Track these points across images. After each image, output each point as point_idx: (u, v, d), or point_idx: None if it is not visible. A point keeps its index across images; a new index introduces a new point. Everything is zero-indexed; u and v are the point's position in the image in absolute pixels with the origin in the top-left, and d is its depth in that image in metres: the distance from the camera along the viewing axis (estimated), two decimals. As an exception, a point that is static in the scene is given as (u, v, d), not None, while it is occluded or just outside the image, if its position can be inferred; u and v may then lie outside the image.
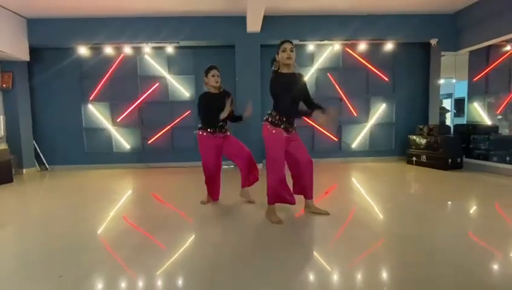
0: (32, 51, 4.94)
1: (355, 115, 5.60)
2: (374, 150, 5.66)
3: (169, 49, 5.07)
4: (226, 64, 5.14)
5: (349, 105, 5.56)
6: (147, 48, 5.07)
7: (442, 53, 5.13)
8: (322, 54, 5.46)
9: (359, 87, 5.58)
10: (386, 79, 5.53)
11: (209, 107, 2.71)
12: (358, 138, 5.66)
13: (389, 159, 5.59)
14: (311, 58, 5.48)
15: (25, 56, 4.77)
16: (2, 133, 4.54)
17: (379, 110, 5.62)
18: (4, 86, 4.75)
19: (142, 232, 2.30)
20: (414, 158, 5.07)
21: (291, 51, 2.25)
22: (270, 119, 2.33)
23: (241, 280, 1.49)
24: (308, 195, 2.54)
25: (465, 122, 5.33)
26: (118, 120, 5.39)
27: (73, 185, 4.17)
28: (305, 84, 2.42)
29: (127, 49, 5.07)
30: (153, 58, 5.31)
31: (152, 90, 5.33)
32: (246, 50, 5.01)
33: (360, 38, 5.11)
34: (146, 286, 1.48)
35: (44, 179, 4.68)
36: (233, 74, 5.08)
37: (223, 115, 2.61)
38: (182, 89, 5.38)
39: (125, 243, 2.01)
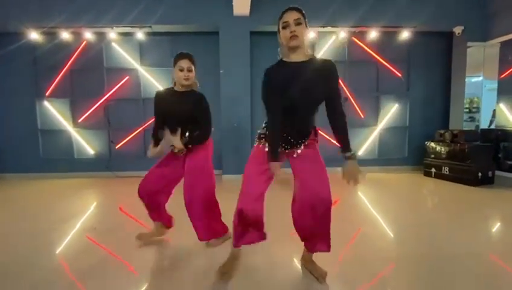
0: (-28, 35, 4.09)
1: (362, 117, 4.76)
2: (383, 158, 4.82)
3: (140, 35, 4.19)
4: (209, 53, 4.31)
5: (355, 105, 4.71)
6: (113, 34, 4.19)
7: (469, 44, 4.29)
8: (324, 44, 4.61)
9: (368, 84, 4.73)
10: (399, 75, 4.69)
11: (159, 110, 1.91)
12: (366, 144, 4.81)
13: (402, 170, 4.75)
14: (312, 48, 4.62)
15: (-39, 41, 3.91)
16: None
17: (390, 112, 4.78)
18: None
19: (112, 255, 1.94)
20: (433, 169, 4.23)
21: (298, 24, 1.34)
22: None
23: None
24: (306, 245, 1.65)
25: (493, 127, 4.49)
26: (80, 120, 4.52)
27: (26, 198, 3.45)
28: (329, 79, 1.43)
29: (89, 35, 4.19)
30: (122, 46, 4.44)
31: (121, 85, 4.47)
32: (233, 37, 4.15)
33: (370, 24, 4.25)
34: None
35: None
36: (217, 65, 4.23)
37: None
38: (157, 84, 4.50)
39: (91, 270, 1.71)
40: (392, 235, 2.24)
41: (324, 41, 4.59)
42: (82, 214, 2.81)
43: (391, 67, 4.66)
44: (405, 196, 3.49)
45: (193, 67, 1.83)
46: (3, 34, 4.21)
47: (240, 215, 1.50)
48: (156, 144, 1.94)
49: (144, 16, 4.01)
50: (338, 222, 2.33)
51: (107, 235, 2.26)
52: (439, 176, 4.15)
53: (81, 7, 3.99)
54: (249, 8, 3.92)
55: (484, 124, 4.52)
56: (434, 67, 4.70)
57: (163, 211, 2.05)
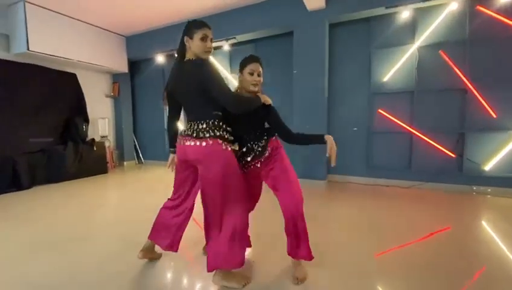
0: (131, 63, 5.88)
1: (494, 116, 3.34)
2: (534, 178, 3.20)
3: (227, 46, 4.72)
4: (288, 54, 4.28)
5: (481, 99, 3.37)
6: (208, 49, 4.93)
7: None
8: (428, 23, 3.55)
9: (504, 70, 3.26)
10: None
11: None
12: (499, 155, 3.35)
13: None
14: (411, 31, 3.67)
15: (124, 69, 5.71)
16: (107, 133, 5.64)
17: (552, 108, 3.10)
18: (113, 94, 5.89)
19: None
20: None
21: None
22: None
23: None
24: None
25: None
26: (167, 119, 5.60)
27: (158, 179, 4.79)
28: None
29: (193, 52, 5.12)
30: (215, 58, 5.13)
31: (216, 92, 5.18)
32: (309, 33, 3.91)
33: (507, -18, 2.91)
34: None
35: (136, 172, 5.45)
36: (296, 65, 4.11)
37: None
38: (242, 89, 4.92)
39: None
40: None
41: (429, 20, 3.54)
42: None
43: (555, 39, 3.00)
44: None
45: (262, 72, 1.66)
46: (144, 60, 5.84)
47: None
48: None
49: (229, 29, 4.47)
50: (454, 256, 1.92)
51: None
52: None
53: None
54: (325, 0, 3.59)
55: None
56: None
57: None
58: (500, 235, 2.23)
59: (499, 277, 1.62)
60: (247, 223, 1.58)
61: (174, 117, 1.76)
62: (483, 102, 3.37)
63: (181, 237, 1.79)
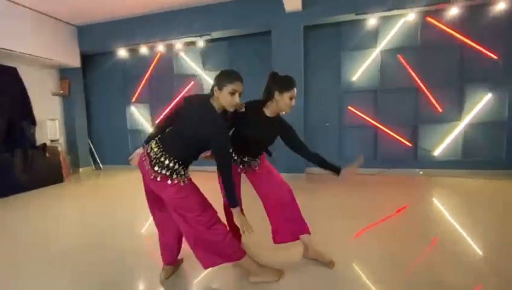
0: (84, 57, 5.24)
1: (440, 110, 4.03)
2: (471, 160, 3.98)
3: (201, 43, 4.59)
4: (263, 54, 4.39)
5: (430, 97, 4.03)
6: (179, 44, 4.72)
7: None
8: (389, 30, 4.07)
9: (447, 72, 3.96)
10: (494, 57, 3.75)
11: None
12: (445, 142, 4.06)
13: (497, 174, 3.82)
14: (374, 36, 4.15)
15: (76, 63, 5.06)
16: (58, 137, 4.92)
17: (481, 103, 3.89)
18: (62, 92, 5.16)
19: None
20: (543, 177, 3.27)
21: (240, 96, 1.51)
22: None
23: None
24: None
25: None
26: (157, 121, 5.28)
27: (119, 185, 4.38)
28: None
29: (161, 48, 4.83)
30: (188, 54, 4.94)
31: (187, 89, 5.00)
32: (286, 34, 4.09)
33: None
34: None
35: (96, 180, 4.89)
36: (270, 64, 4.25)
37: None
38: (217, 87, 4.85)
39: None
40: (479, 252, 1.90)
41: (389, 27, 4.06)
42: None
43: (481, 49, 3.77)
44: (498, 207, 2.80)
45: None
46: (102, 54, 5.28)
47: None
48: None
49: (205, 25, 4.34)
50: (412, 228, 2.28)
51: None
52: (553, 185, 3.18)
53: (154, 25, 4.60)
54: (301, 2, 3.79)
55: None
56: (549, 43, 3.58)
57: None
58: (448, 208, 2.79)
59: (448, 241, 2.06)
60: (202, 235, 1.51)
61: (166, 126, 1.63)
62: (431, 99, 4.04)
63: (179, 251, 1.75)
